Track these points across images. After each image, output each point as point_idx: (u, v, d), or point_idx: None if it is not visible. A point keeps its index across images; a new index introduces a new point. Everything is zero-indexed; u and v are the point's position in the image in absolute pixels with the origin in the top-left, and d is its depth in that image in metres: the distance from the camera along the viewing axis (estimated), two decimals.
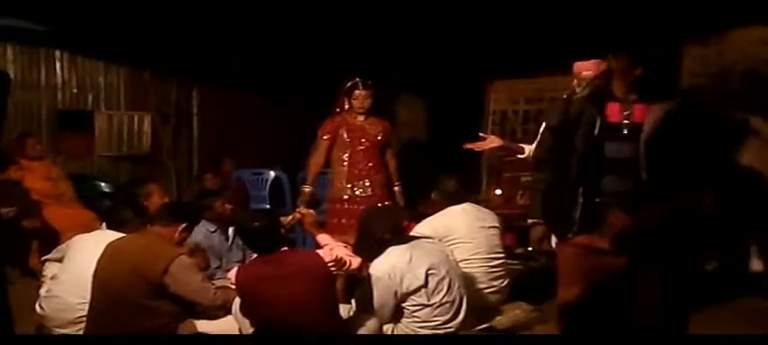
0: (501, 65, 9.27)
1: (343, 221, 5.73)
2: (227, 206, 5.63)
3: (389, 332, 4.39)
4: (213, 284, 4.36)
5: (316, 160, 5.93)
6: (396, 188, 6.00)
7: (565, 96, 4.24)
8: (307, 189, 5.85)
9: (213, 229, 5.53)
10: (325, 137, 5.87)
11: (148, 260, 4.02)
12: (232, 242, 5.60)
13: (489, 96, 10.06)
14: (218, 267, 5.38)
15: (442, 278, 4.32)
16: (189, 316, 4.18)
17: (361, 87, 5.80)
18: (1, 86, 2.26)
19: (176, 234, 4.31)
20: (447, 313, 4.35)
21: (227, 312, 4.27)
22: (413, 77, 10.22)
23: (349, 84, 5.88)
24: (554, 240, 4.04)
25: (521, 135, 9.88)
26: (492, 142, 5.34)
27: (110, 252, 4.14)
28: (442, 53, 9.32)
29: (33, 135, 7.55)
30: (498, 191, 8.38)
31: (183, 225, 4.36)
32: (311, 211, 5.15)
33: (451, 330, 4.35)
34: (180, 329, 4.07)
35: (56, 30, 8.06)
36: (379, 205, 5.50)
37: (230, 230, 5.58)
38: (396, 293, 4.26)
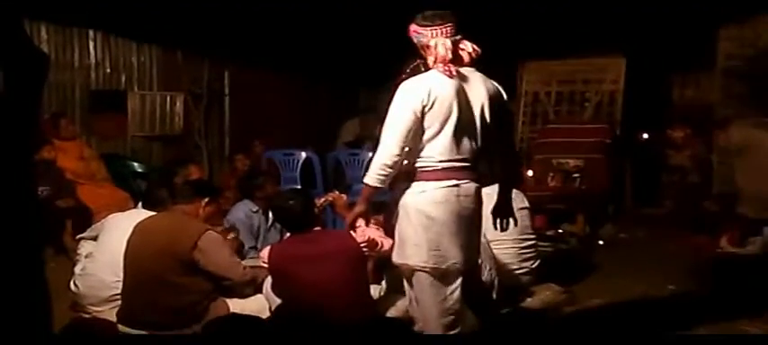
0: (533, 46, 9.20)
1: None
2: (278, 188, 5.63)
3: None
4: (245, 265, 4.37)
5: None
6: None
7: None
8: None
9: (255, 209, 5.56)
10: None
11: (178, 237, 4.04)
12: (272, 224, 5.60)
13: (521, 77, 9.99)
14: (253, 247, 5.40)
15: None
16: (219, 294, 4.19)
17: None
18: (40, 68, 2.26)
19: (201, 210, 4.33)
20: None
21: (256, 290, 4.29)
22: None
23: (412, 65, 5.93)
24: None
25: (553, 116, 9.83)
26: None
27: (139, 231, 4.17)
28: (473, 34, 9.26)
29: (66, 115, 7.63)
30: (530, 173, 8.33)
31: (206, 199, 4.37)
32: (342, 194, 5.16)
33: None
34: (212, 308, 4.08)
35: (90, 9, 8.09)
36: None
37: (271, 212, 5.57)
38: None
